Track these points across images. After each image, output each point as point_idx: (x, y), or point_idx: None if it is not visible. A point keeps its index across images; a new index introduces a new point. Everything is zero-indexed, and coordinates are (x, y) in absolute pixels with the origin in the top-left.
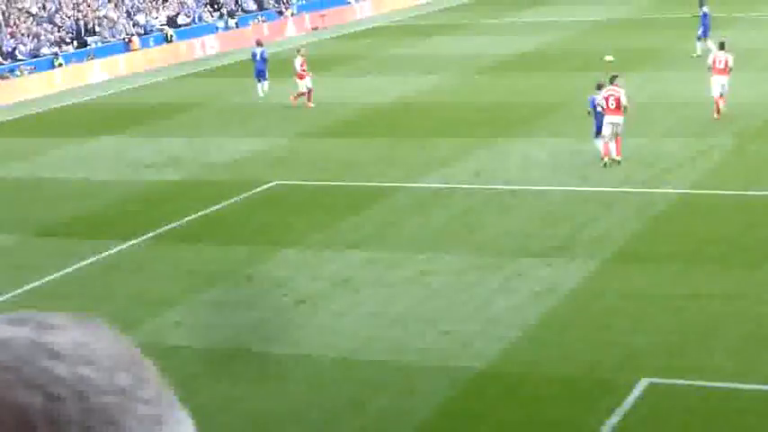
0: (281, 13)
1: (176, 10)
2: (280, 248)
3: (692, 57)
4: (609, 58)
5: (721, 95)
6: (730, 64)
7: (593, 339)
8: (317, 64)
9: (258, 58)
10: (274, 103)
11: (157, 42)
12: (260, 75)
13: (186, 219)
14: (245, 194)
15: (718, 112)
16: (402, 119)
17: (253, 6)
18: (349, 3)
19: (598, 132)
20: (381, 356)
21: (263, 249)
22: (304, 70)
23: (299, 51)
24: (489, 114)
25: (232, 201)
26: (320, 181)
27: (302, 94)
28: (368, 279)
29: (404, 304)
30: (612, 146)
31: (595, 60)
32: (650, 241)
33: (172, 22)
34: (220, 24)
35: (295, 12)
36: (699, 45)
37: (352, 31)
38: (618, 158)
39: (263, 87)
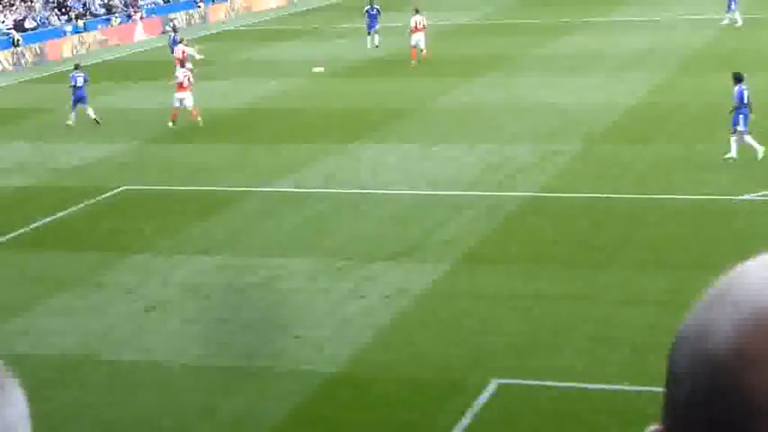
0: (129, 16)
1: (23, 14)
2: (129, 254)
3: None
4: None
5: None
6: None
7: (444, 341)
8: (167, 68)
9: (77, 84)
10: (122, 109)
11: (4, 46)
12: (80, 100)
13: (33, 225)
14: (92, 200)
15: None
16: (252, 124)
17: (101, 10)
18: (199, 6)
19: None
20: (232, 362)
21: (111, 255)
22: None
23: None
24: (340, 119)
25: (80, 207)
26: (170, 186)
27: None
28: (218, 284)
29: (255, 309)
30: None
31: (444, 65)
32: (499, 243)
33: (19, 26)
34: (68, 28)
35: (144, 15)
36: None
37: (203, 34)
38: None
39: (86, 111)
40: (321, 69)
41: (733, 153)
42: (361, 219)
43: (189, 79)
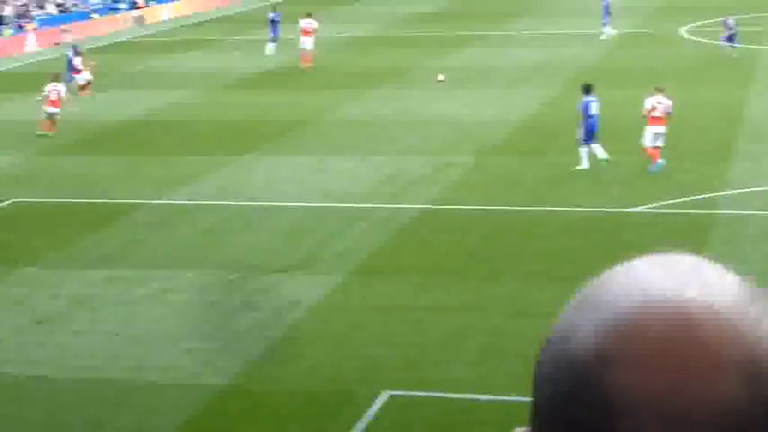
0: (21, 27)
1: None
2: (19, 267)
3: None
4: (441, 77)
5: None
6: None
7: (336, 353)
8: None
9: None
10: (10, 121)
11: None
12: None
13: None
14: None
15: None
16: (145, 135)
17: None
18: (92, 18)
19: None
20: (122, 375)
21: (0, 268)
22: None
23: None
24: (234, 131)
25: None
26: (60, 198)
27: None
28: (108, 297)
29: (145, 322)
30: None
31: (340, 77)
32: (392, 255)
33: None
34: None
35: (37, 26)
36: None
37: (96, 46)
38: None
39: None
40: (442, 78)
41: (584, 164)
42: (254, 231)
43: (59, 93)
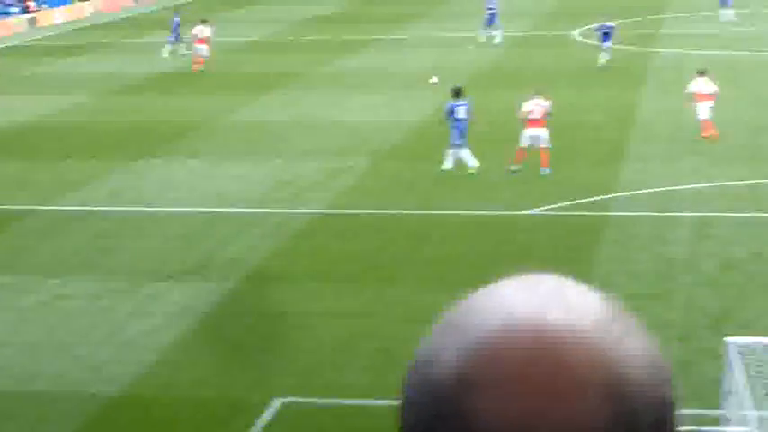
0: None
1: None
2: None
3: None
4: (434, 79)
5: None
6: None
7: (228, 360)
8: None
9: None
10: None
11: None
12: None
13: None
14: None
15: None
16: (36, 141)
17: None
18: None
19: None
20: (11, 386)
21: None
22: None
23: None
24: (127, 136)
25: None
26: None
27: None
28: None
29: (35, 330)
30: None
31: (234, 81)
32: (286, 261)
33: None
34: None
35: None
36: None
37: None
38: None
39: None
40: (436, 80)
41: (447, 165)
42: (147, 237)
43: None
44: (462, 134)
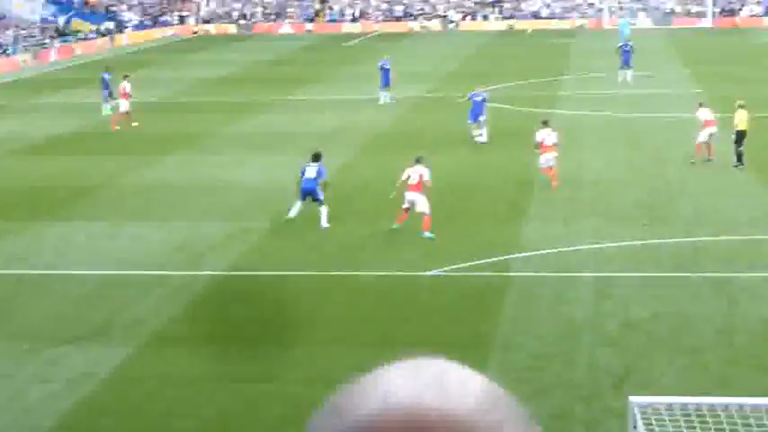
0: None
1: None
2: None
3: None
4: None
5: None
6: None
7: (130, 425)
8: None
9: None
10: None
11: None
12: None
13: None
14: None
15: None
16: None
17: None
18: None
19: None
20: None
21: None
22: None
23: None
24: (25, 198)
25: None
26: None
27: None
28: None
29: None
30: None
31: (134, 142)
32: (187, 324)
33: None
34: None
35: None
36: None
37: None
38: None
39: None
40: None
41: (291, 213)
42: (46, 300)
43: None
44: (307, 192)
